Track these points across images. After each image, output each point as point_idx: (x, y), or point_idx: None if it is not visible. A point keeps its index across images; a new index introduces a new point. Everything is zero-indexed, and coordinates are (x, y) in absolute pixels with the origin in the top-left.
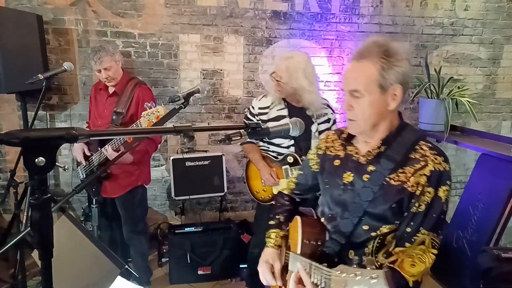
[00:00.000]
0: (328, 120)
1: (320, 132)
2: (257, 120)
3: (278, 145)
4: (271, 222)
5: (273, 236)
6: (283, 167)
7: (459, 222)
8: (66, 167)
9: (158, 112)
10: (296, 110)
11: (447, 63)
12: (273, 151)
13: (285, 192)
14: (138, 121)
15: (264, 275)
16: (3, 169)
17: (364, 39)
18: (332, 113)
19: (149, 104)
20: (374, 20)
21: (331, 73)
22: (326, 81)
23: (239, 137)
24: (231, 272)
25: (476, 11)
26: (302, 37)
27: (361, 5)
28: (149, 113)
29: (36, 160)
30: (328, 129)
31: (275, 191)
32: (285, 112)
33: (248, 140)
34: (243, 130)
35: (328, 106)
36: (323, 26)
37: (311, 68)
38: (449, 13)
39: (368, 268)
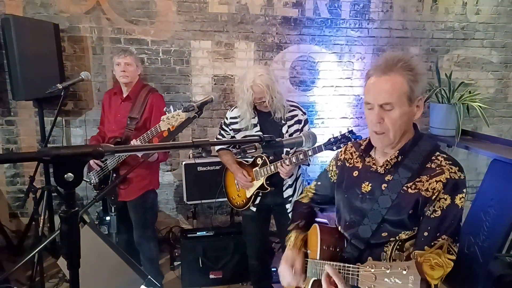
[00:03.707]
0: (299, 122)
1: (291, 134)
2: (230, 130)
3: None
4: (290, 227)
5: (292, 238)
6: (253, 169)
7: (470, 228)
8: (91, 181)
9: (179, 115)
10: (265, 116)
11: (458, 67)
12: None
13: (304, 201)
14: (157, 125)
15: (284, 276)
16: (20, 173)
17: (381, 55)
18: (302, 115)
19: (167, 109)
20: (384, 25)
21: (340, 78)
22: (336, 86)
23: (254, 150)
24: (242, 276)
25: (487, 15)
26: (312, 42)
27: (371, 10)
28: (169, 117)
29: (65, 176)
30: (300, 130)
31: (248, 195)
32: (255, 120)
33: (221, 147)
34: (257, 143)
35: (298, 108)
36: (333, 31)
37: (273, 74)
38: (460, 17)
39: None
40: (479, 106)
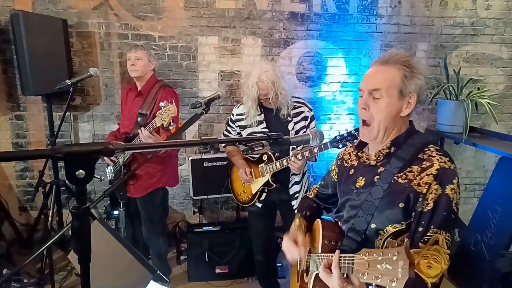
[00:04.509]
0: (305, 118)
1: (297, 131)
2: (236, 126)
3: None
4: (297, 216)
5: (297, 221)
6: (259, 166)
7: (477, 225)
8: (102, 178)
9: (170, 110)
10: (271, 113)
11: (466, 64)
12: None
13: (311, 196)
14: (153, 120)
15: (288, 250)
16: (29, 168)
17: (388, 50)
18: (309, 111)
19: (163, 104)
20: (393, 20)
21: (348, 74)
22: (343, 82)
23: (261, 147)
24: (247, 271)
25: (498, 10)
26: (320, 38)
27: (379, 5)
28: (161, 112)
29: (77, 173)
30: (306, 126)
31: (253, 191)
32: (261, 117)
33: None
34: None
35: (304, 104)
36: (340, 27)
37: (278, 71)
38: (470, 12)
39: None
40: (487, 102)
